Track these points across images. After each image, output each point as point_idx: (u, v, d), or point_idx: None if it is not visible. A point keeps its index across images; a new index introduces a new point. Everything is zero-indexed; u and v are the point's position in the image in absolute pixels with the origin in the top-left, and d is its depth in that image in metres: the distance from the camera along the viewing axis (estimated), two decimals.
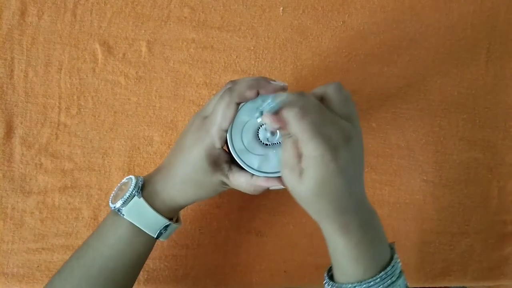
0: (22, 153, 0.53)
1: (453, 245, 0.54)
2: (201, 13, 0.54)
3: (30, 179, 0.52)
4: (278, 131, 0.40)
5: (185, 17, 0.54)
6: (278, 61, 0.54)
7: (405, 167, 0.54)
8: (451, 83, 0.55)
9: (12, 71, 0.53)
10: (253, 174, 0.40)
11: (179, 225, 0.44)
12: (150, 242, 0.43)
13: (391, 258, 0.38)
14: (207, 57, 0.54)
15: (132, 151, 0.53)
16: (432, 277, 0.54)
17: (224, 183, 0.41)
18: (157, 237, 0.42)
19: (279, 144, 0.40)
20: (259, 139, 0.40)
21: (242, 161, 0.40)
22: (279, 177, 0.40)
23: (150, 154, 0.53)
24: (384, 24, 0.55)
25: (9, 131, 0.53)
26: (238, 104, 0.38)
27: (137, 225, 0.40)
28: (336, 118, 0.36)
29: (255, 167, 0.40)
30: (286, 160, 0.36)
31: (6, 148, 0.53)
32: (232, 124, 0.40)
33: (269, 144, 0.40)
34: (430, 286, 0.54)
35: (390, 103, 0.55)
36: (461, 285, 0.55)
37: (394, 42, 0.55)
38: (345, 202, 0.35)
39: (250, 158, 0.40)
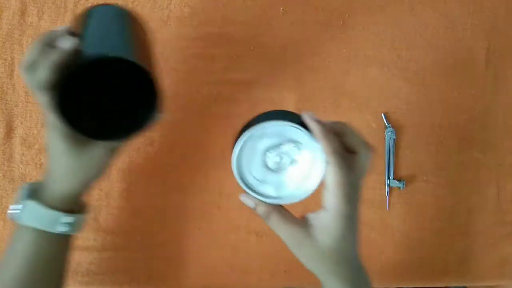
0: (22, 153, 0.53)
1: (453, 245, 0.54)
2: (201, 13, 0.54)
3: (30, 179, 0.52)
4: (285, 155, 0.39)
5: (185, 17, 0.54)
6: (278, 61, 0.54)
7: (405, 167, 0.54)
8: (451, 83, 0.55)
9: (12, 71, 0.53)
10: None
11: (84, 216, 0.43)
12: (59, 241, 0.42)
13: None
14: (207, 57, 0.54)
15: (132, 151, 0.53)
16: (432, 277, 0.54)
17: (106, 152, 0.39)
18: (63, 233, 0.41)
19: (291, 163, 0.39)
20: (269, 167, 0.39)
21: (260, 194, 0.39)
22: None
23: (150, 154, 0.53)
24: (384, 24, 0.55)
25: (9, 131, 0.53)
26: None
27: (35, 226, 0.40)
28: (357, 179, 0.39)
29: (274, 195, 0.39)
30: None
31: (6, 148, 0.53)
32: (240, 163, 0.38)
33: (281, 170, 0.39)
34: (430, 286, 0.55)
35: (390, 103, 0.55)
36: (461, 285, 0.55)
37: (394, 42, 0.55)
38: (354, 258, 0.39)
39: (266, 188, 0.39)
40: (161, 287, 0.52)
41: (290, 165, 0.39)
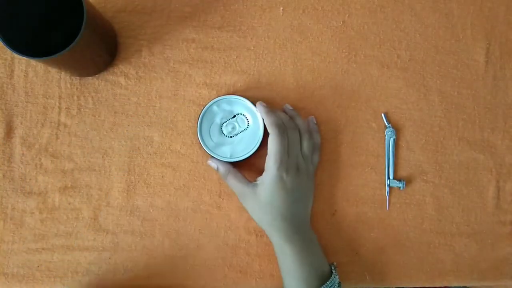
0: (22, 153, 0.53)
1: (452, 245, 0.54)
2: (201, 13, 0.54)
3: (30, 179, 0.52)
4: (236, 124, 0.51)
5: (186, 17, 0.54)
6: (278, 61, 0.54)
7: (405, 167, 0.54)
8: (451, 83, 0.55)
9: (12, 71, 0.53)
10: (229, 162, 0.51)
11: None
12: None
13: (331, 273, 0.48)
14: (207, 57, 0.54)
15: (132, 151, 0.53)
16: (432, 277, 0.54)
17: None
18: None
19: (241, 132, 0.51)
20: (224, 134, 0.52)
21: (216, 154, 0.51)
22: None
23: (150, 154, 0.53)
24: (384, 24, 0.55)
25: (9, 131, 0.53)
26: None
27: None
28: (298, 153, 0.49)
29: (228, 155, 0.51)
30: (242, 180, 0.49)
31: (6, 148, 0.53)
32: (200, 128, 0.51)
33: (233, 136, 0.51)
34: (430, 286, 0.55)
35: (390, 103, 0.55)
36: (461, 285, 0.55)
37: (394, 42, 0.55)
38: (290, 216, 0.47)
39: (222, 150, 0.51)
40: (161, 287, 0.52)
41: (241, 132, 0.52)
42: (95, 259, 0.52)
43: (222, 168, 0.50)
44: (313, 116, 0.53)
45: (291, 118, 0.52)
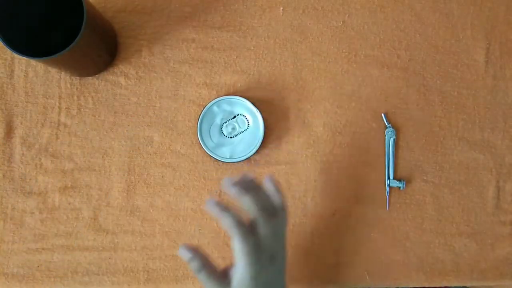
0: (22, 153, 0.53)
1: (452, 245, 0.54)
2: (201, 13, 0.54)
3: (30, 179, 0.52)
4: (236, 125, 0.52)
5: (186, 17, 0.54)
6: (278, 61, 0.54)
7: (405, 167, 0.54)
8: (451, 83, 0.55)
9: (12, 71, 0.53)
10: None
11: None
12: None
13: None
14: (207, 57, 0.54)
15: (132, 151, 0.53)
16: (432, 277, 0.54)
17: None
18: None
19: (241, 133, 0.52)
20: (224, 134, 0.52)
21: (216, 154, 0.52)
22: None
23: (150, 154, 0.53)
24: (384, 24, 0.55)
25: (9, 131, 0.53)
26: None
27: None
28: (272, 241, 0.41)
29: (228, 156, 0.52)
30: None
31: (6, 148, 0.53)
32: (201, 129, 0.52)
33: (233, 136, 0.52)
34: (430, 286, 0.55)
35: (390, 103, 0.55)
36: (461, 285, 0.55)
37: (394, 42, 0.55)
38: None
39: (222, 151, 0.52)
40: (161, 287, 0.52)
41: (241, 132, 0.52)
42: (95, 259, 0.52)
43: (196, 263, 0.41)
44: (269, 177, 0.45)
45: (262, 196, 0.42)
